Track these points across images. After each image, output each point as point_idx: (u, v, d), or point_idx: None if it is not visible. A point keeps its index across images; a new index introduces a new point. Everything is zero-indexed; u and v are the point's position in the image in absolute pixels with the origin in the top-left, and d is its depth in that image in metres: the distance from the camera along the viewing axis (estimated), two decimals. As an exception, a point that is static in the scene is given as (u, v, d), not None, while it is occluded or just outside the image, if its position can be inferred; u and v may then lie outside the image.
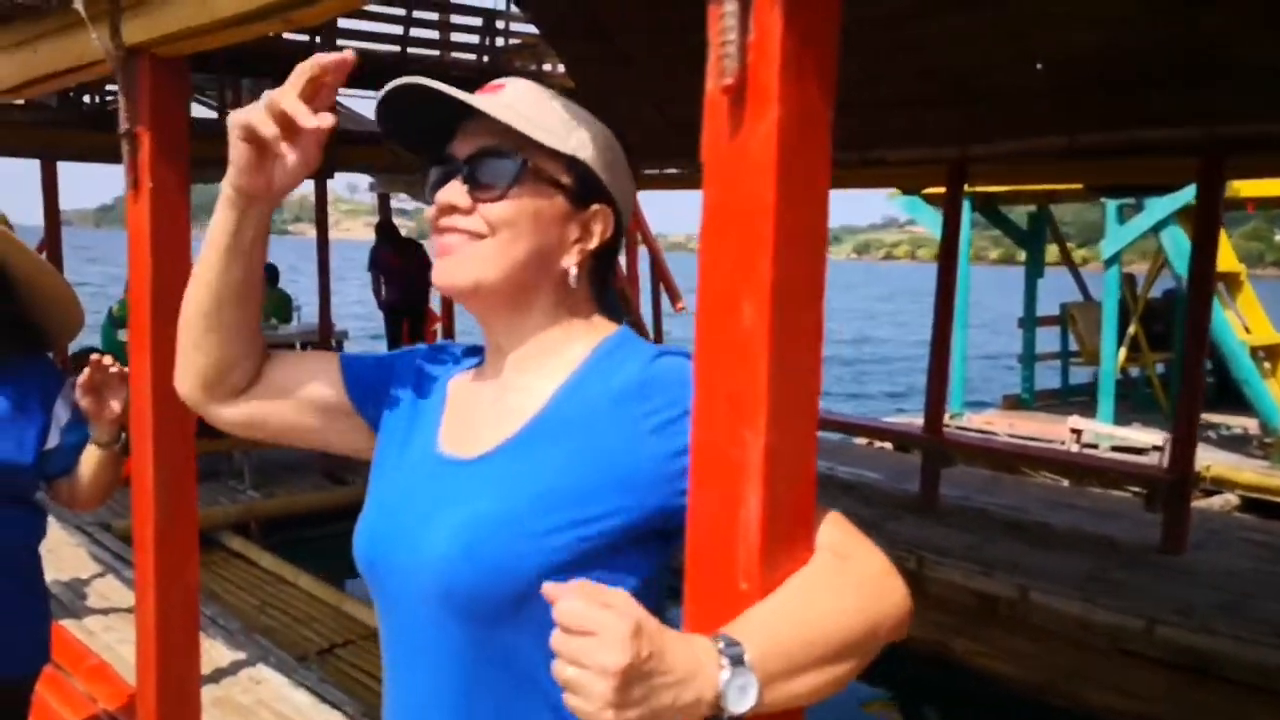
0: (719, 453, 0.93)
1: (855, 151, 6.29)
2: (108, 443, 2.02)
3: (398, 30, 7.60)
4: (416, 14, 7.61)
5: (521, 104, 1.04)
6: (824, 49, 0.91)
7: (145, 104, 1.91)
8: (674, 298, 9.83)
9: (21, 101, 5.82)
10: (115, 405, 1.97)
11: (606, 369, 1.04)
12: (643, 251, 9.77)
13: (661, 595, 1.05)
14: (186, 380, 1.17)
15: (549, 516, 0.96)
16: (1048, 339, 11.36)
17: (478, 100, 1.02)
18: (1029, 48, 5.06)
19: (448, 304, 10.84)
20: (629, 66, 7.32)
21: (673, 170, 8.30)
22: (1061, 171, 7.43)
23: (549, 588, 0.79)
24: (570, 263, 1.06)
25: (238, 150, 1.03)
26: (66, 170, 9.72)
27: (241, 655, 3.85)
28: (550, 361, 1.07)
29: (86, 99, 7.14)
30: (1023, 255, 11.39)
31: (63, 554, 5.01)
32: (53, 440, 2.07)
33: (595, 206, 1.07)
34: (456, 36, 8.01)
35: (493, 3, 8.50)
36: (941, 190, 7.32)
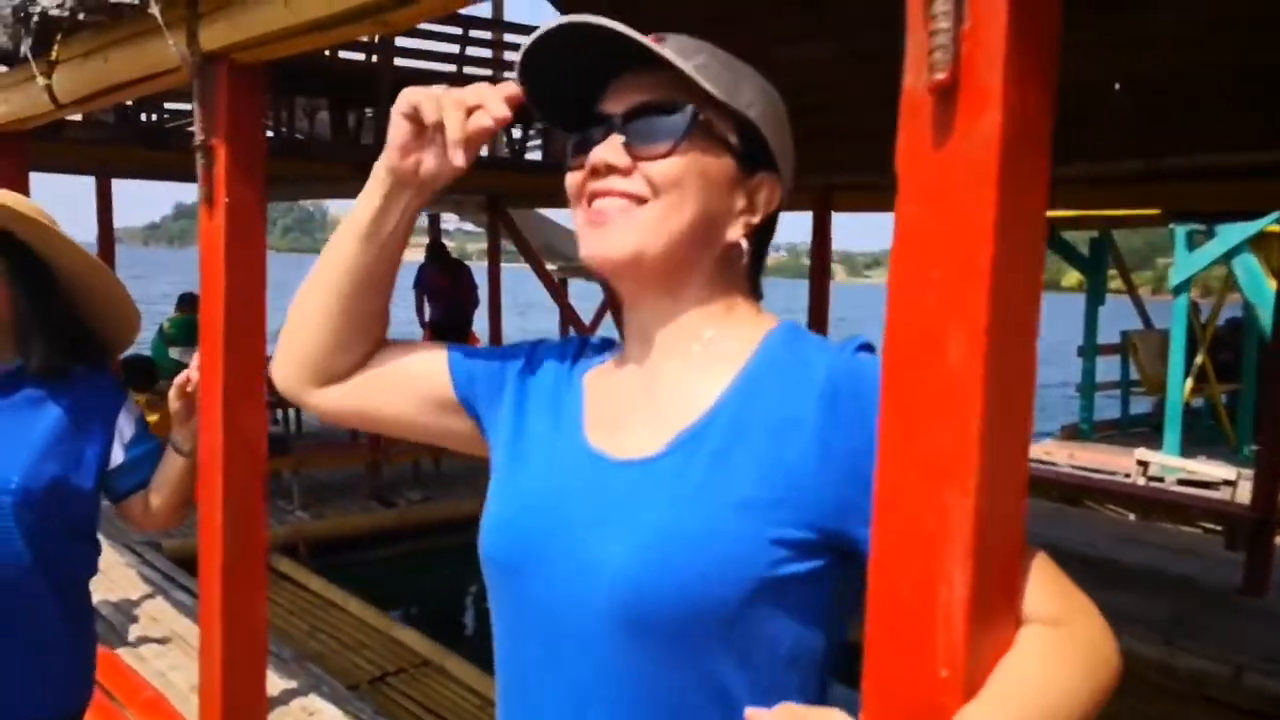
0: (913, 520, 0.78)
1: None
2: (191, 450, 1.92)
3: (454, 49, 7.56)
4: (473, 33, 7.56)
5: (688, 55, 0.91)
6: (1048, 39, 0.78)
7: (222, 114, 1.81)
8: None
9: (79, 117, 5.83)
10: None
11: (786, 366, 0.91)
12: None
13: (844, 618, 0.93)
14: (290, 365, 1.10)
15: (749, 531, 0.85)
16: (1106, 368, 11.07)
17: (655, 45, 0.89)
18: (1109, 69, 4.89)
19: (495, 325, 10.78)
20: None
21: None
22: (1130, 196, 7.21)
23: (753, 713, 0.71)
24: (736, 235, 0.94)
25: (398, 128, 0.98)
26: (115, 188, 9.81)
27: (294, 684, 3.75)
28: (710, 351, 0.95)
29: (143, 116, 7.17)
30: (1071, 280, 11.13)
31: (113, 575, 4.94)
32: (116, 458, 1.96)
33: (761, 174, 0.95)
34: (513, 56, 7.95)
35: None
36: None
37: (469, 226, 12.13)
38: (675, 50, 0.90)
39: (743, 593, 0.84)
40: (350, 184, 7.55)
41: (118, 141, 6.61)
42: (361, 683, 4.48)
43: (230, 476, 1.89)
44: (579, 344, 1.11)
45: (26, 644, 1.85)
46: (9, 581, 1.79)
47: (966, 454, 0.76)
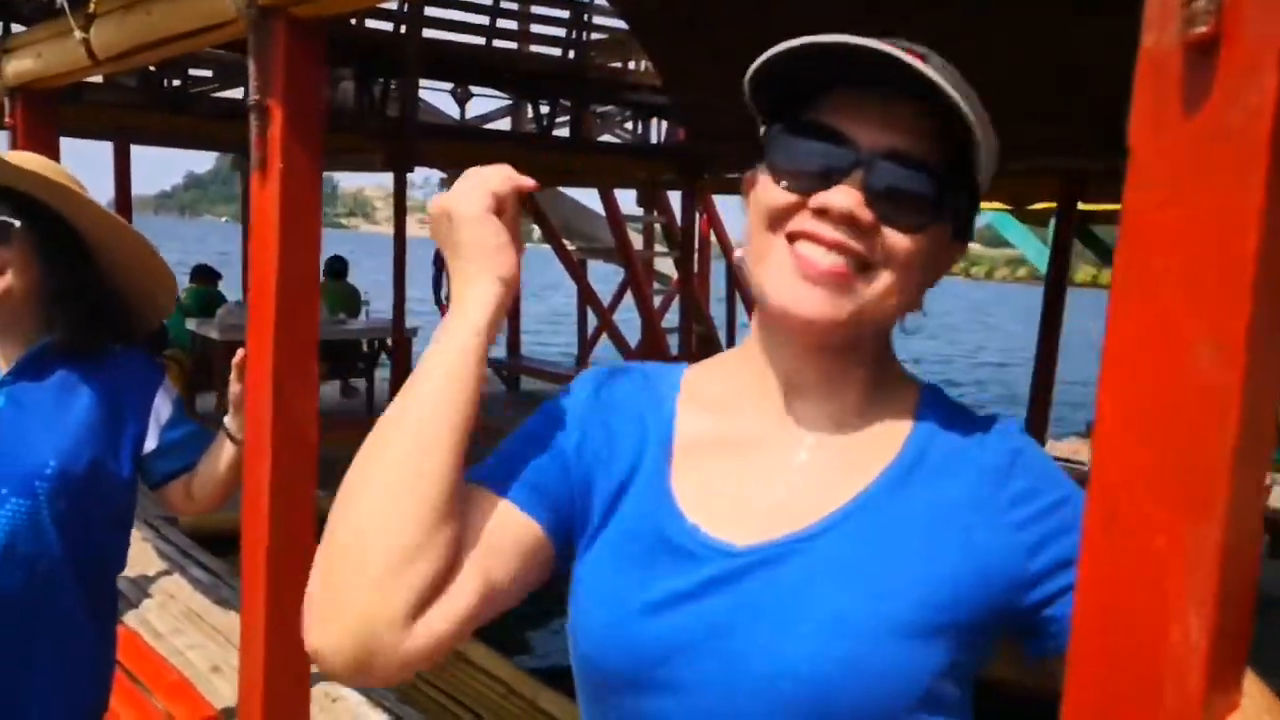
0: (1137, 552, 0.67)
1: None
2: (240, 436, 1.81)
3: (483, 20, 7.43)
4: (503, 4, 7.43)
5: (958, 88, 0.74)
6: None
7: (279, 72, 1.69)
8: (749, 309, 9.52)
9: (99, 79, 5.70)
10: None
11: (951, 445, 0.83)
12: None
13: None
14: (363, 621, 0.72)
15: (929, 618, 0.76)
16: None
17: (943, 82, 0.72)
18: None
19: (514, 311, 10.67)
20: (720, 62, 7.05)
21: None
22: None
23: None
24: (921, 299, 0.84)
25: (491, 225, 0.80)
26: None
27: (316, 669, 3.65)
28: (867, 414, 0.84)
29: (165, 81, 7.05)
30: (1099, 276, 10.98)
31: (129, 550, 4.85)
32: (151, 442, 1.85)
33: (961, 240, 0.84)
34: (542, 29, 7.83)
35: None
36: (1038, 207, 7.00)
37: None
38: (949, 83, 0.73)
39: (926, 685, 0.76)
40: (368, 156, 7.46)
41: (140, 106, 6.49)
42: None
43: (279, 464, 1.78)
44: (652, 380, 0.90)
45: (53, 636, 1.73)
46: (40, 572, 1.67)
47: (1216, 476, 0.64)
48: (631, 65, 8.27)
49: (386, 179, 7.99)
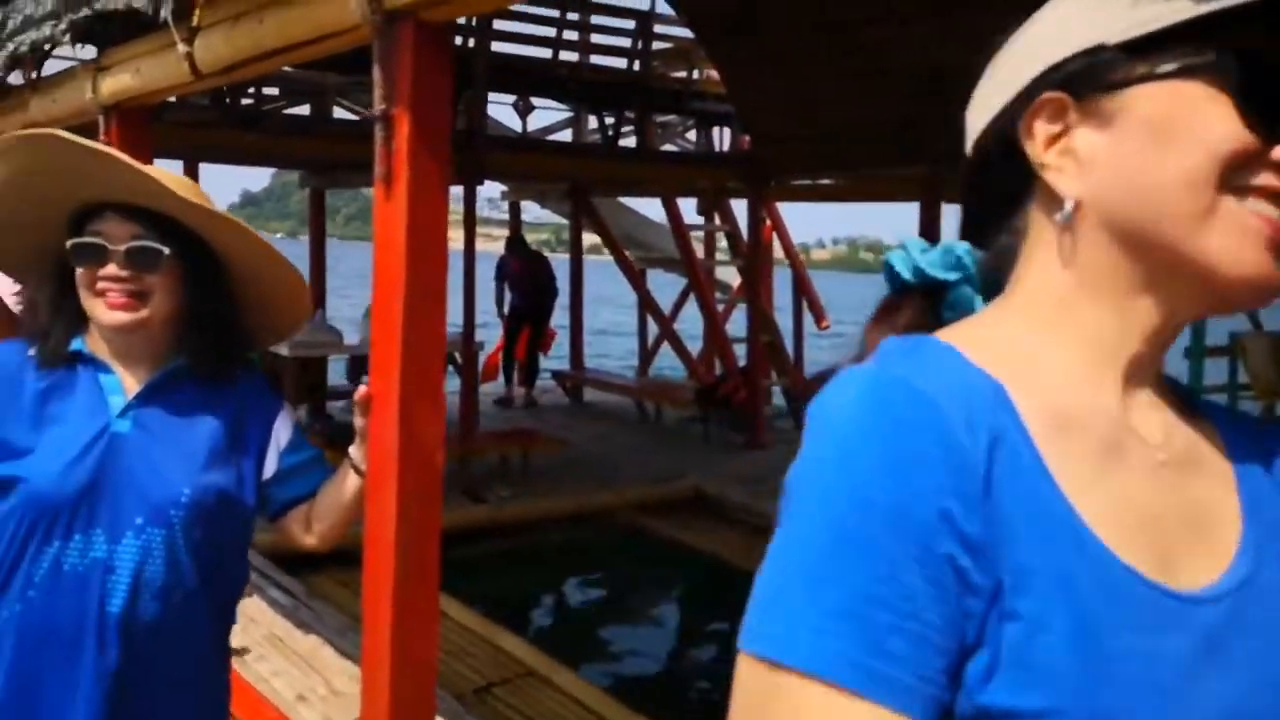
0: None
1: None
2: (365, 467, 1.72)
3: (549, 32, 7.36)
4: (568, 16, 7.36)
5: None
6: None
7: (406, 79, 1.58)
8: (818, 316, 9.37)
9: (174, 99, 5.69)
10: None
11: (1251, 441, 0.70)
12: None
13: None
14: None
15: None
16: (1214, 370, 10.55)
17: None
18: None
19: (576, 317, 10.59)
20: (784, 67, 6.94)
21: (827, 181, 7.91)
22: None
23: None
24: None
25: None
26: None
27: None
28: (1160, 402, 0.68)
29: (234, 98, 7.05)
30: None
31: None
32: (270, 468, 1.76)
33: None
34: (606, 40, 7.74)
35: (642, 6, 8.23)
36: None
37: (529, 217, 11.95)
38: None
39: None
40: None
41: (211, 125, 6.50)
42: (466, 693, 4.28)
43: (405, 491, 1.67)
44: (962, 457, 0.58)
45: (185, 666, 1.67)
46: (175, 603, 1.60)
47: None
48: (697, 75, 8.15)
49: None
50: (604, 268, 11.09)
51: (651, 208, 10.26)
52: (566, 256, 11.20)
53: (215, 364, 1.72)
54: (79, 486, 1.60)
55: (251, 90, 7.17)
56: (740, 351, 9.05)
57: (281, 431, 1.78)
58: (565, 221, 11.16)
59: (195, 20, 2.13)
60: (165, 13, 2.09)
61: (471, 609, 5.01)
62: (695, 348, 11.16)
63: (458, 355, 8.64)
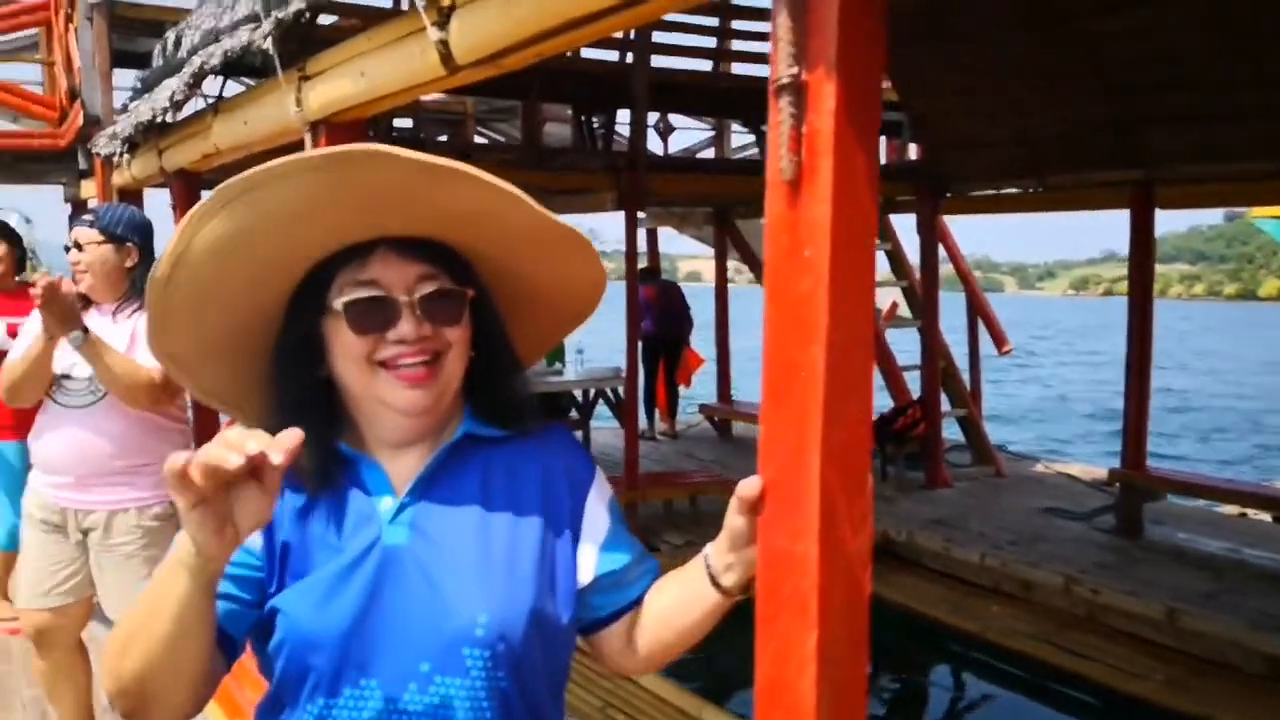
0: None
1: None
2: (736, 585, 1.22)
3: (705, 43, 6.90)
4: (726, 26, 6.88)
5: None
6: None
7: (828, 31, 1.08)
8: (998, 340, 8.61)
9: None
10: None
11: None
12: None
13: None
14: None
15: None
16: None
17: None
18: None
19: (723, 345, 10.06)
20: (973, 69, 6.33)
21: (1012, 190, 7.22)
22: None
23: None
24: None
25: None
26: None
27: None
28: None
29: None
30: (1271, 289, 9.52)
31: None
32: (587, 568, 1.27)
33: None
34: (756, 46, 7.23)
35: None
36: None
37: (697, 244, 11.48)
38: None
39: None
40: (598, 196, 6.97)
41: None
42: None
43: (829, 607, 1.15)
44: None
45: None
46: None
47: None
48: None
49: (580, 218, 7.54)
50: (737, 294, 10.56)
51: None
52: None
53: (508, 421, 1.27)
54: (343, 625, 1.14)
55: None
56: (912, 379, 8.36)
57: (597, 513, 1.28)
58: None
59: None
60: (414, -10, 1.64)
61: (665, 678, 4.52)
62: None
63: (608, 390, 8.24)
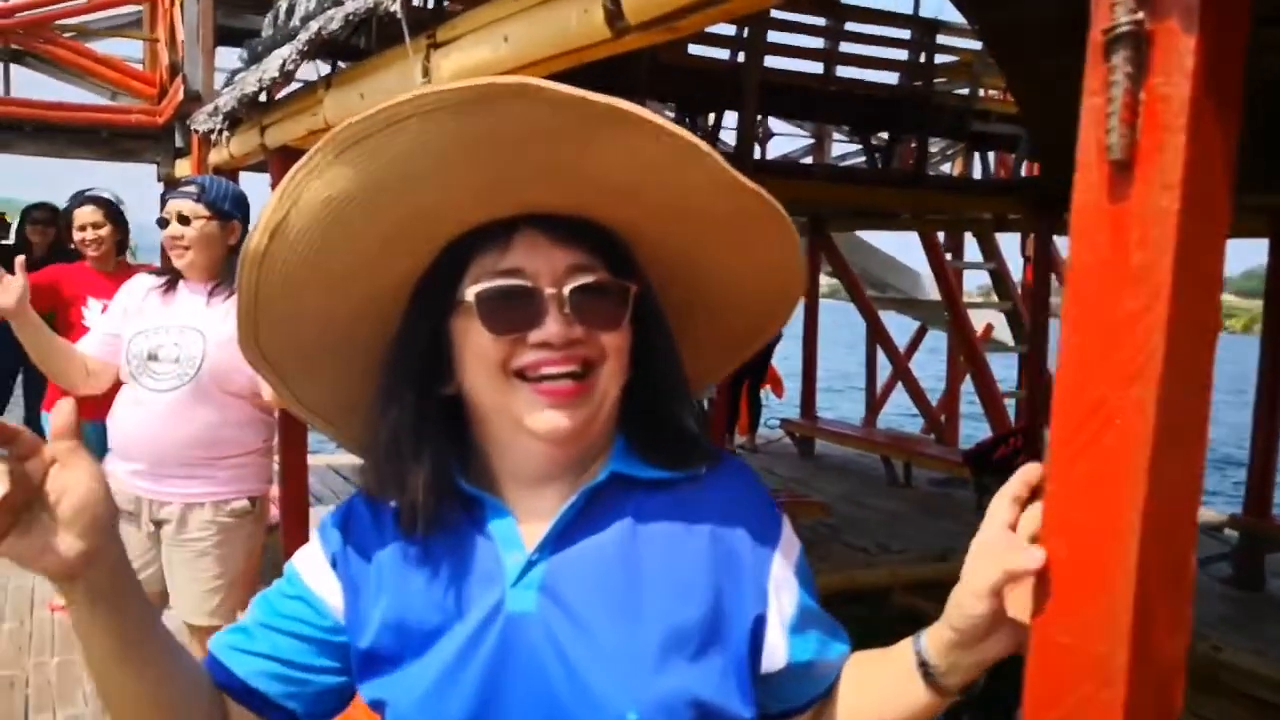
0: None
1: None
2: (959, 686, 0.94)
3: (816, 43, 6.61)
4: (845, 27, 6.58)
5: None
6: None
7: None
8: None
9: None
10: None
11: None
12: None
13: None
14: None
15: None
16: None
17: None
18: None
19: (810, 364, 9.74)
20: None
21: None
22: None
23: None
24: None
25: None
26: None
27: None
28: None
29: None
30: None
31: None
32: (777, 652, 0.99)
33: None
34: (879, 51, 6.92)
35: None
36: None
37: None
38: None
39: None
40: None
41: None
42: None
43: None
44: None
45: None
46: None
47: None
48: (980, 92, 7.23)
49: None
50: (848, 309, 10.23)
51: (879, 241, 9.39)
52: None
53: (671, 459, 0.99)
54: (460, 714, 0.91)
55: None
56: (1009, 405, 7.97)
57: (783, 576, 0.99)
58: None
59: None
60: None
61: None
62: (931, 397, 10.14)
63: (706, 404, 7.99)
